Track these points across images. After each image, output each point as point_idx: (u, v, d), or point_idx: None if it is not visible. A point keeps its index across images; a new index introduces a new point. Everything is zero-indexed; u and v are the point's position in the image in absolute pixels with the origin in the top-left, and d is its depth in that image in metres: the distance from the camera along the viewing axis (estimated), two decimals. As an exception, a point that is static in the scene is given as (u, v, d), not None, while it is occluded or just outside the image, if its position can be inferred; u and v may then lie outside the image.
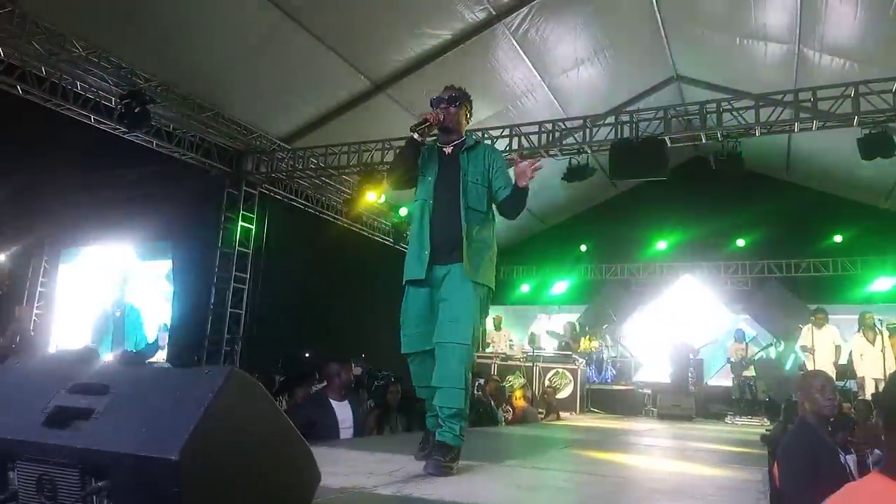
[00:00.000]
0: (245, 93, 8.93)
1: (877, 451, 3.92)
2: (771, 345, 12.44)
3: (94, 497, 1.34)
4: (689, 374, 11.10)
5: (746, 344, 12.15)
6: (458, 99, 3.24)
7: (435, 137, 3.31)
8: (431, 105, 3.25)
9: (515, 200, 3.08)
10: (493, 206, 3.24)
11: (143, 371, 1.63)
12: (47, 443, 1.39)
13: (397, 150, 3.24)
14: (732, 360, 12.13)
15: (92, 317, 6.92)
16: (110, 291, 7.02)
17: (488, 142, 8.84)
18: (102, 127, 8.37)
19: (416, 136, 3.09)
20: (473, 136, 3.56)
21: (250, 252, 10.40)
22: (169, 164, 9.34)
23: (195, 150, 9.56)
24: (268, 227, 10.60)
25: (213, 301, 9.92)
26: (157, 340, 8.13)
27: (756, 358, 12.08)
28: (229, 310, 9.99)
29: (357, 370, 7.97)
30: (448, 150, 3.23)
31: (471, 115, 3.39)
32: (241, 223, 10.27)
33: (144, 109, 7.87)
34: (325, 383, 5.05)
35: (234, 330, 10.07)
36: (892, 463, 1.19)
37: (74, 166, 8.98)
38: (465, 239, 3.01)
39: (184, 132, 9.26)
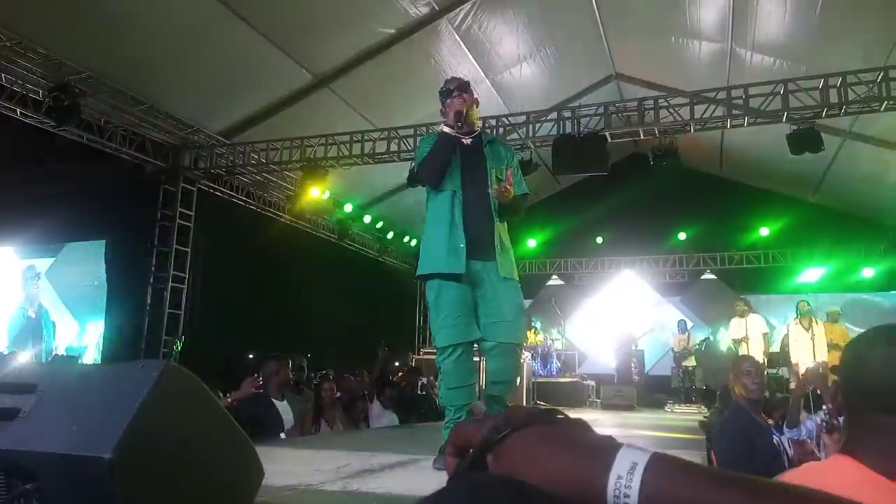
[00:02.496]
0: (182, 86, 8.65)
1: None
2: (708, 337, 12.88)
3: (22, 500, 1.27)
4: (633, 365, 11.46)
5: (688, 335, 12.57)
6: (469, 86, 3.13)
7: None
8: (444, 95, 3.15)
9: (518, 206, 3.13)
10: None
11: (74, 369, 1.55)
12: (-31, 445, 1.31)
13: (435, 150, 3.09)
14: (675, 350, 12.54)
15: (5, 317, 6.61)
16: (23, 290, 6.70)
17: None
18: (29, 121, 7.99)
19: (451, 130, 3.04)
20: (487, 130, 3.51)
21: (189, 251, 10.08)
22: (101, 160, 8.95)
23: (128, 145, 9.19)
24: (207, 225, 10.29)
25: (150, 302, 9.59)
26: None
27: (695, 348, 12.51)
28: (167, 311, 9.67)
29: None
30: (467, 140, 3.15)
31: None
32: (178, 221, 9.92)
33: (74, 103, 7.55)
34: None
35: (172, 332, 9.75)
36: (852, 441, 1.14)
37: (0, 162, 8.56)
38: (498, 235, 3.01)
39: (116, 126, 8.90)
